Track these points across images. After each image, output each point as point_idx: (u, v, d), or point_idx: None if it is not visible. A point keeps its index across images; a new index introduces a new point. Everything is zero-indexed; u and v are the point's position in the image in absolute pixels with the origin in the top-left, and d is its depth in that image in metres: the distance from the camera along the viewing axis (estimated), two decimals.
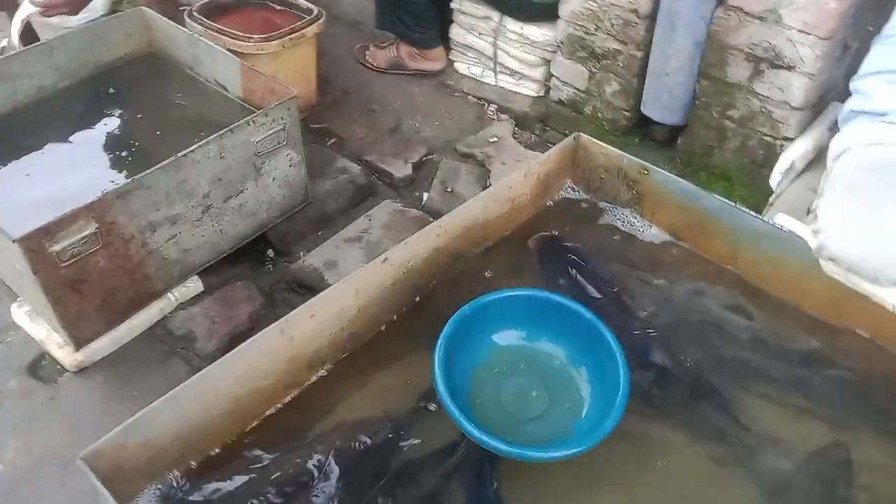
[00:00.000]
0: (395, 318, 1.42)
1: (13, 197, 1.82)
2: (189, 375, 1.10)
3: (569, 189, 1.72)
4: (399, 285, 1.39)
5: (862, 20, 1.86)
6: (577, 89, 2.33)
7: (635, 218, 1.64)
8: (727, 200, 1.50)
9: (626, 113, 2.26)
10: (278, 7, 2.40)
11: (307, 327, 1.24)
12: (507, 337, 1.32)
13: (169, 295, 1.82)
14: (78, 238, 1.54)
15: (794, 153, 1.91)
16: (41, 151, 1.97)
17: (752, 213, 1.47)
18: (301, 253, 2.03)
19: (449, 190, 2.23)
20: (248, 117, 1.80)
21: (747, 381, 1.33)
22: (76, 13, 2.18)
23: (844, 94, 1.98)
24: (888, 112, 1.54)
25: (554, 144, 2.44)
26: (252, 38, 2.15)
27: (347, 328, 1.32)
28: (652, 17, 2.06)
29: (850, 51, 1.94)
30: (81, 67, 2.15)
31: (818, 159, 1.95)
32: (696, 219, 1.54)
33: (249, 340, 1.16)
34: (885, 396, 1.30)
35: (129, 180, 1.61)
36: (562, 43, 2.28)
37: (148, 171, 1.62)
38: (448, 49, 2.64)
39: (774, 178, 1.95)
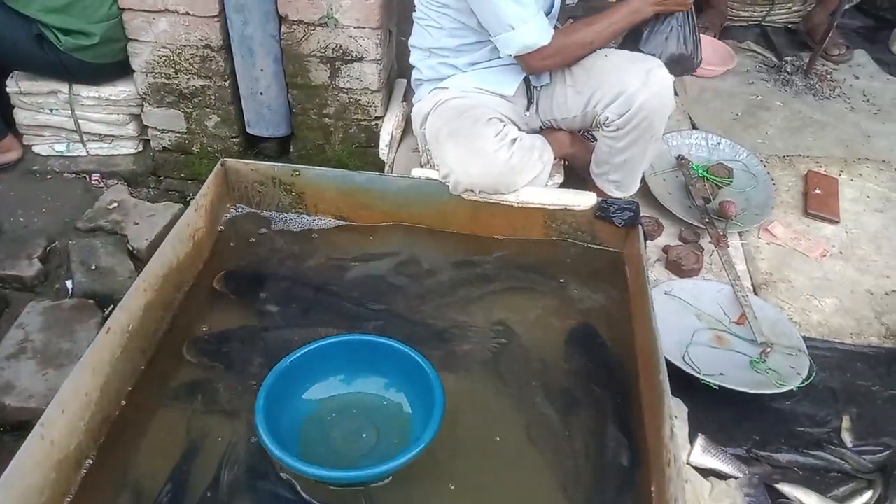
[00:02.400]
0: (131, 387, 1.38)
1: None
2: None
3: (234, 209, 1.82)
4: (128, 352, 1.36)
5: (392, 10, 2.28)
6: (178, 132, 2.38)
7: (302, 216, 1.82)
8: (374, 172, 1.77)
9: (234, 139, 2.39)
10: None
11: (63, 424, 1.16)
12: (328, 385, 1.38)
13: None
14: None
15: (389, 126, 2.28)
16: None
17: (397, 174, 1.76)
18: None
19: (94, 268, 2.11)
20: None
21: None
22: None
23: (403, 72, 2.43)
24: (440, 79, 1.99)
25: (174, 191, 2.49)
26: None
27: (98, 412, 1.26)
28: (227, 47, 2.21)
29: (392, 36, 2.36)
30: None
31: (407, 126, 2.36)
32: (356, 197, 1.78)
33: (16, 457, 1.05)
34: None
35: None
36: (146, 94, 2.30)
37: None
38: (18, 135, 2.43)
39: (382, 151, 2.30)
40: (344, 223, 1.82)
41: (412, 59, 2.08)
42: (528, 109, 1.96)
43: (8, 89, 2.32)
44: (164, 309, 1.48)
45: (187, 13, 2.13)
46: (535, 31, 1.72)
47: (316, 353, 1.34)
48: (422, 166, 2.06)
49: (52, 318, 1.92)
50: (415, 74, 2.10)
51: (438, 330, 1.53)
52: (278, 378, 1.28)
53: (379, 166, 2.32)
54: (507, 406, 1.40)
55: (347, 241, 1.79)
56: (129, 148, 2.47)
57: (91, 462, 1.23)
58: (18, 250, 2.16)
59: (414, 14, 2.01)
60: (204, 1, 2.11)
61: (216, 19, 2.15)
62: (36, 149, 2.46)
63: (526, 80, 1.93)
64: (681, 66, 1.88)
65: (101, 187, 2.42)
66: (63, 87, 2.31)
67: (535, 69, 1.84)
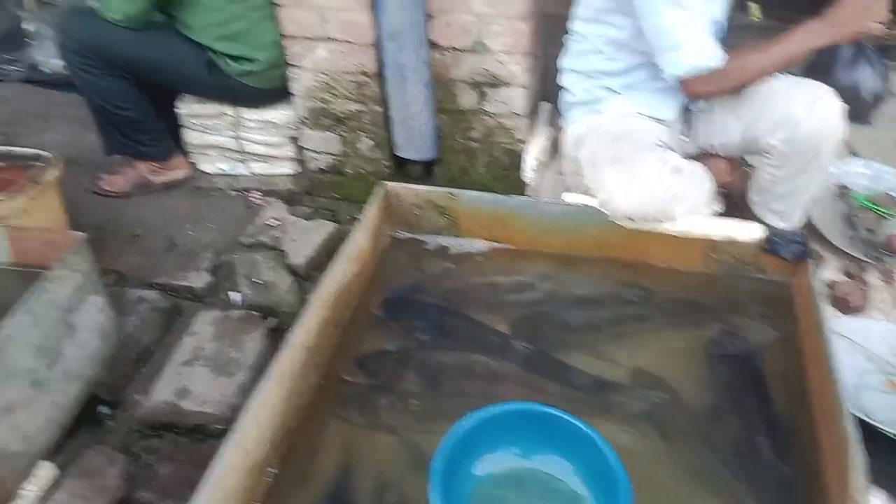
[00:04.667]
0: (307, 401, 1.46)
1: None
2: None
3: (393, 231, 1.89)
4: (307, 367, 1.44)
5: (540, 34, 2.31)
6: (333, 154, 2.50)
7: (456, 239, 1.87)
8: (527, 197, 1.80)
9: (384, 162, 2.48)
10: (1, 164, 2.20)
11: (254, 434, 1.24)
12: (501, 456, 1.31)
13: (25, 492, 1.60)
14: None
15: (534, 150, 2.30)
16: None
17: (551, 199, 1.78)
18: (137, 397, 1.91)
19: (258, 281, 2.25)
20: (48, 273, 1.66)
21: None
22: None
23: (547, 96, 2.45)
24: (595, 101, 1.98)
25: (327, 210, 2.61)
26: None
27: (281, 424, 1.34)
28: (380, 74, 2.31)
29: (539, 61, 2.38)
30: None
31: (552, 150, 2.37)
32: (509, 222, 1.81)
33: (216, 462, 1.14)
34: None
35: None
36: (305, 118, 2.43)
37: None
38: (186, 153, 2.63)
39: (527, 175, 2.32)
40: (497, 247, 1.85)
41: (564, 82, 2.09)
42: (685, 134, 1.93)
43: (180, 111, 2.51)
44: (336, 326, 1.55)
45: (346, 41, 2.25)
46: (705, 53, 1.68)
47: (491, 419, 1.28)
48: (569, 191, 2.07)
49: (222, 328, 2.06)
50: (565, 97, 2.11)
51: (593, 374, 1.50)
52: (455, 443, 1.23)
53: (522, 190, 2.35)
54: (677, 467, 1.32)
55: (499, 267, 1.82)
56: (286, 168, 2.62)
57: (273, 471, 1.31)
58: (189, 263, 2.33)
59: (567, 36, 2.02)
60: (361, 29, 2.21)
61: (372, 47, 2.25)
62: (202, 167, 2.65)
63: (684, 104, 1.91)
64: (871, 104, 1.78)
65: (261, 204, 2.57)
66: (229, 110, 2.48)
67: (699, 94, 1.79)
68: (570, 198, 1.84)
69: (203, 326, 2.07)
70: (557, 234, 1.79)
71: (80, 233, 1.81)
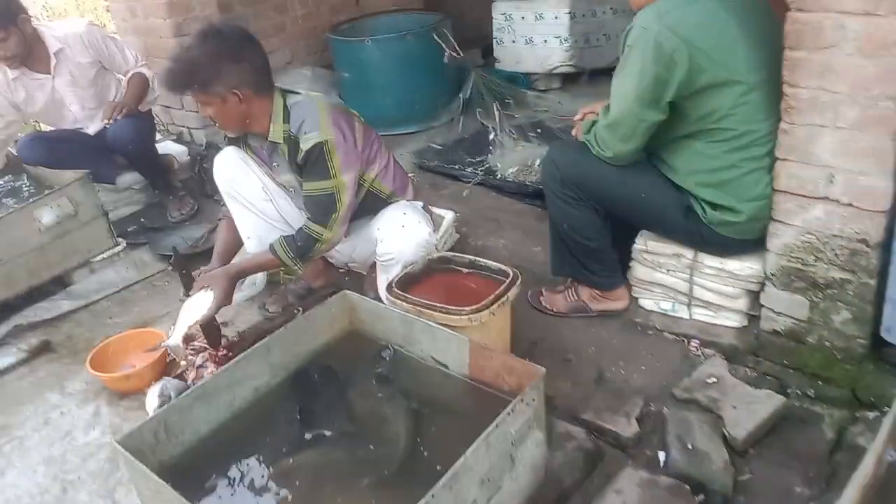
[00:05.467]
0: None
1: None
2: None
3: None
4: None
5: None
6: (796, 319, 2.20)
7: None
8: None
9: (860, 340, 2.10)
10: (465, 270, 2.37)
11: None
12: None
13: None
14: None
15: None
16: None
17: None
18: None
19: (688, 446, 2.04)
20: (509, 407, 1.67)
21: None
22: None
23: None
24: None
25: (771, 377, 2.30)
26: (463, 310, 2.08)
27: None
28: (884, 245, 1.97)
29: None
30: (292, 359, 2.08)
31: None
32: None
33: None
34: None
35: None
36: (773, 275, 2.18)
37: (437, 488, 1.47)
38: (629, 286, 2.57)
39: None
40: None
41: None
42: None
43: (636, 247, 2.46)
44: None
45: (850, 204, 1.96)
46: None
47: None
48: None
49: (649, 494, 1.88)
50: None
51: None
52: None
53: None
54: None
55: None
56: (733, 321, 2.39)
57: None
58: (617, 404, 2.22)
59: None
60: (874, 195, 1.91)
61: (881, 214, 1.93)
62: (642, 302, 2.56)
63: None
64: None
65: (699, 355, 2.38)
66: (688, 253, 2.35)
67: None
68: None
69: (629, 486, 1.92)
70: None
71: (539, 367, 1.81)
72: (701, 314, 2.45)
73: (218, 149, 3.90)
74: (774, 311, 2.24)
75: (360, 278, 2.91)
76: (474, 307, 2.09)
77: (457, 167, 3.78)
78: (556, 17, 4.42)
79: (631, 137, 2.14)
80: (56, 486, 2.17)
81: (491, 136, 3.91)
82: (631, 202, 2.26)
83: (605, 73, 4.58)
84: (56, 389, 2.59)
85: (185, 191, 3.81)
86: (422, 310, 2.13)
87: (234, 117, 2.30)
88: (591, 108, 2.46)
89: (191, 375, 2.54)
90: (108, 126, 3.42)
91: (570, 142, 2.39)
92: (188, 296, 2.43)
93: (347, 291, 2.20)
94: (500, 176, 3.64)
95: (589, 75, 4.57)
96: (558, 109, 4.22)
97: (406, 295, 2.18)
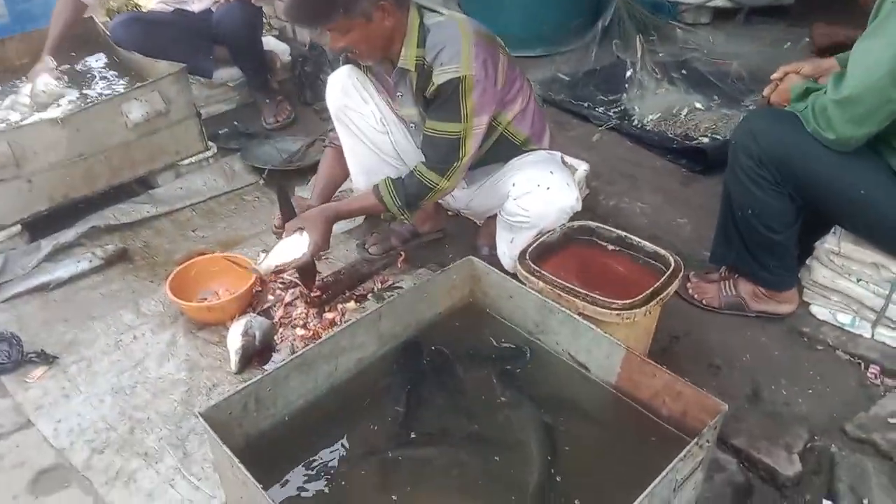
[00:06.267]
0: None
1: None
2: None
3: None
4: None
5: None
6: None
7: None
8: None
9: None
10: (611, 247, 1.97)
11: None
12: None
13: None
14: None
15: None
16: None
17: None
18: None
19: (865, 501, 1.67)
20: (683, 451, 1.33)
21: None
22: None
23: None
24: None
25: None
26: (613, 303, 1.71)
27: None
28: None
29: None
30: (402, 330, 1.77)
31: None
32: None
33: None
34: None
35: None
36: None
37: None
38: (800, 287, 2.14)
39: None
40: None
41: None
42: None
43: (824, 246, 2.01)
44: None
45: None
46: None
47: None
48: None
49: None
50: None
51: None
52: None
53: None
54: None
55: None
56: None
57: None
58: (775, 432, 1.85)
59: None
60: None
61: None
62: (813, 309, 2.13)
63: None
64: None
65: (878, 385, 1.96)
66: (893, 266, 1.90)
67: None
68: None
69: None
70: None
71: (720, 402, 1.44)
72: (887, 336, 2.02)
73: (323, 52, 3.54)
74: None
75: (472, 227, 2.55)
76: (627, 302, 1.71)
77: (586, 105, 3.32)
78: None
79: (867, 120, 1.67)
80: (123, 424, 1.94)
81: (628, 73, 3.40)
82: (843, 198, 1.80)
83: (766, 14, 3.97)
84: (130, 307, 2.35)
85: (282, 95, 3.46)
86: (561, 293, 1.76)
87: (379, 39, 1.88)
88: (794, 67, 1.97)
89: (278, 313, 2.28)
90: (215, 7, 3.07)
91: (779, 112, 1.90)
92: (283, 220, 2.12)
93: (473, 258, 1.84)
94: (637, 122, 3.16)
95: (747, 14, 3.94)
96: (711, 50, 3.65)
97: (542, 272, 1.81)
